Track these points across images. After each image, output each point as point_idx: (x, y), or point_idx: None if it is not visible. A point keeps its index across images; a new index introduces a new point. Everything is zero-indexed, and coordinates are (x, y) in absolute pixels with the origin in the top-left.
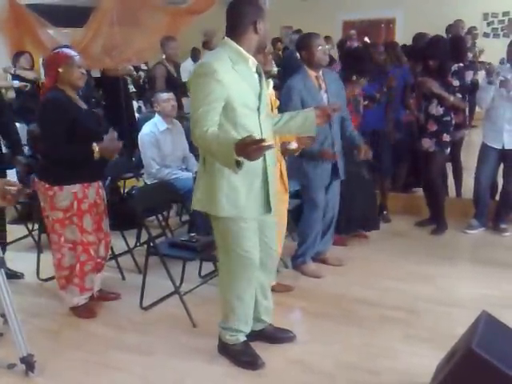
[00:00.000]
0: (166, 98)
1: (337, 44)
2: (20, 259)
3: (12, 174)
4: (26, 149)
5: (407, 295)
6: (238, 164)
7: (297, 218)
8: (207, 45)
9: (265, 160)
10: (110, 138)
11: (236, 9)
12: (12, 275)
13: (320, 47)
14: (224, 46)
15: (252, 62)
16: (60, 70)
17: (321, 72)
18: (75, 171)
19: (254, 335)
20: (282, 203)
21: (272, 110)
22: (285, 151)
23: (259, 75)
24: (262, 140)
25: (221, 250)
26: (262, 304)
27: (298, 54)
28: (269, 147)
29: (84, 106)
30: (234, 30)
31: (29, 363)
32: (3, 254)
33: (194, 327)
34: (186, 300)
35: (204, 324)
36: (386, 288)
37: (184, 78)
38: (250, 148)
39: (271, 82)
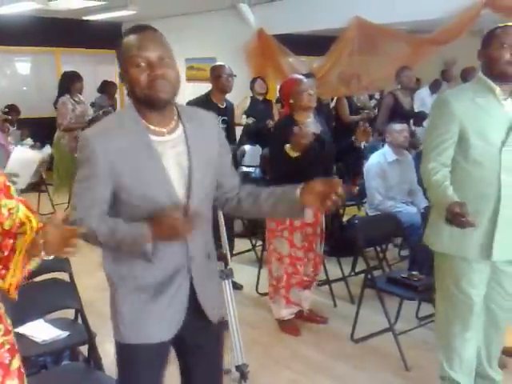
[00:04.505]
0: (399, 128)
1: None
2: (241, 271)
3: None
4: (257, 170)
5: None
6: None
7: None
8: (445, 74)
9: (498, 201)
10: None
11: None
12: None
13: None
14: (473, 79)
15: (500, 92)
16: (291, 101)
17: None
18: None
19: None
20: None
21: None
22: None
23: None
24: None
25: (438, 288)
26: (485, 359)
27: None
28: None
29: (315, 129)
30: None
31: (243, 372)
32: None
33: (405, 370)
34: (400, 340)
35: (417, 369)
36: None
37: (416, 106)
38: (458, 219)
39: None
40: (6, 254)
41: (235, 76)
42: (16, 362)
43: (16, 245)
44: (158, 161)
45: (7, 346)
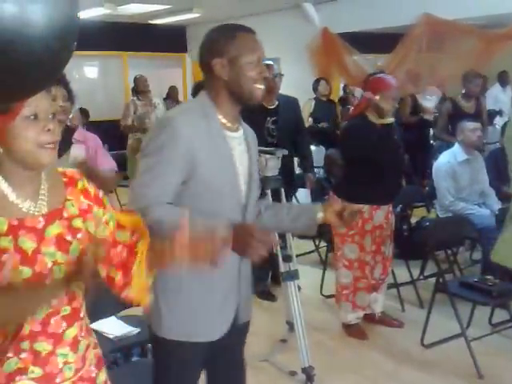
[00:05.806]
0: (472, 127)
1: None
2: (304, 273)
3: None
4: (320, 171)
5: None
6: None
7: None
8: None
9: None
10: None
11: None
12: None
13: None
14: None
15: None
16: (377, 97)
17: None
18: (367, 192)
19: None
20: None
21: None
22: None
23: None
24: None
25: None
26: None
27: None
28: None
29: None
30: None
31: (309, 375)
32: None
33: (478, 378)
34: (472, 347)
35: (491, 378)
36: None
37: (490, 104)
38: None
39: None
40: (115, 263)
41: (283, 75)
42: (102, 375)
43: (136, 251)
44: (230, 154)
45: (94, 361)
